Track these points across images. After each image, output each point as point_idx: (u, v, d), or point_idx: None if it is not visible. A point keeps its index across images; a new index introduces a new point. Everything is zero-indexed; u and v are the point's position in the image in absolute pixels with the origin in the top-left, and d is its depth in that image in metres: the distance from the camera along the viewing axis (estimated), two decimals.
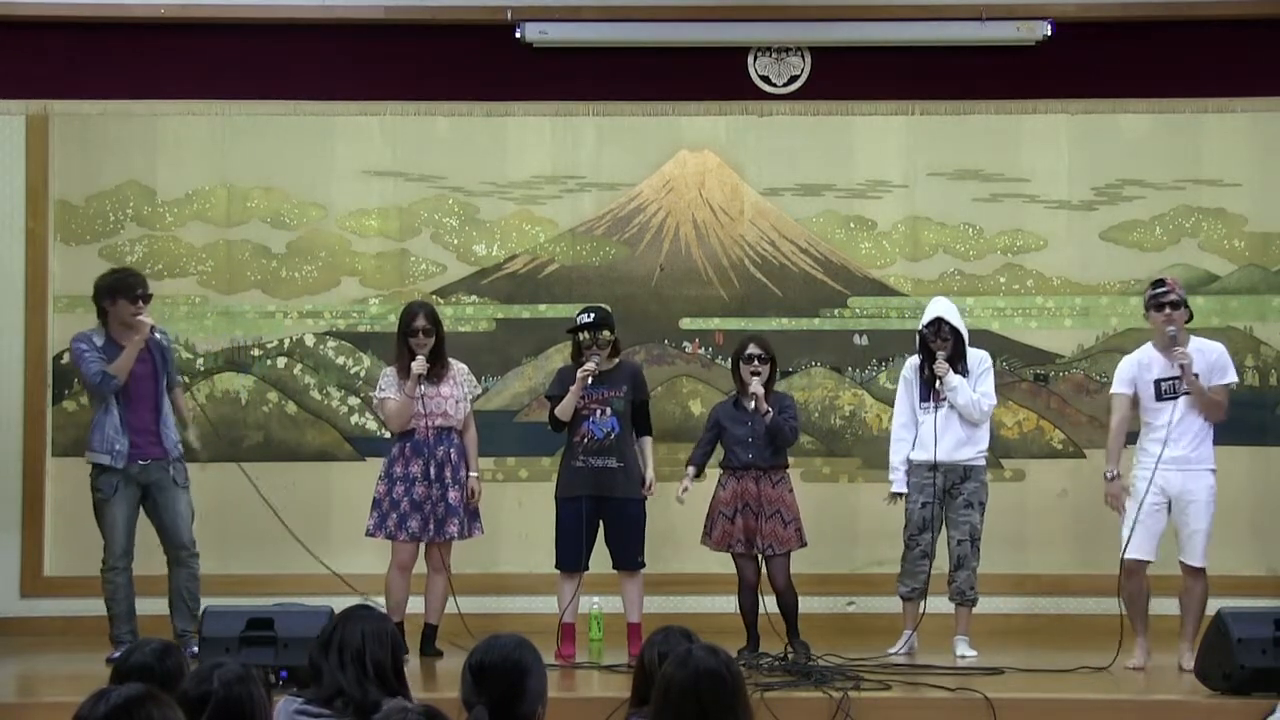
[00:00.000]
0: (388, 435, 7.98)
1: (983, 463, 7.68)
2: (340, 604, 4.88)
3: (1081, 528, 8.52)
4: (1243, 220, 8.81)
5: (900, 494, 7.66)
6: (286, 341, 8.87)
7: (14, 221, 8.73)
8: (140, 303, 7.53)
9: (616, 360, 7.67)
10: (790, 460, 7.82)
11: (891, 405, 8.06)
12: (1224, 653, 6.44)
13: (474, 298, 8.88)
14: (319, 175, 8.88)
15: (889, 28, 8.68)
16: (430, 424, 7.59)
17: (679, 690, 3.77)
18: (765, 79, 8.78)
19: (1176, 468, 7.17)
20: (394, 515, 7.58)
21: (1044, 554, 8.68)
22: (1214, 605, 6.90)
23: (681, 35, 8.72)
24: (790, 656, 7.30)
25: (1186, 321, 7.27)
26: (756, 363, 7.58)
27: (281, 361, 8.86)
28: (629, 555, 7.51)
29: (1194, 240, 8.82)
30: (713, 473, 7.77)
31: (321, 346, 8.87)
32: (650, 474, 7.59)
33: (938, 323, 7.58)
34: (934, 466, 7.53)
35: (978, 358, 7.72)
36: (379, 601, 7.10)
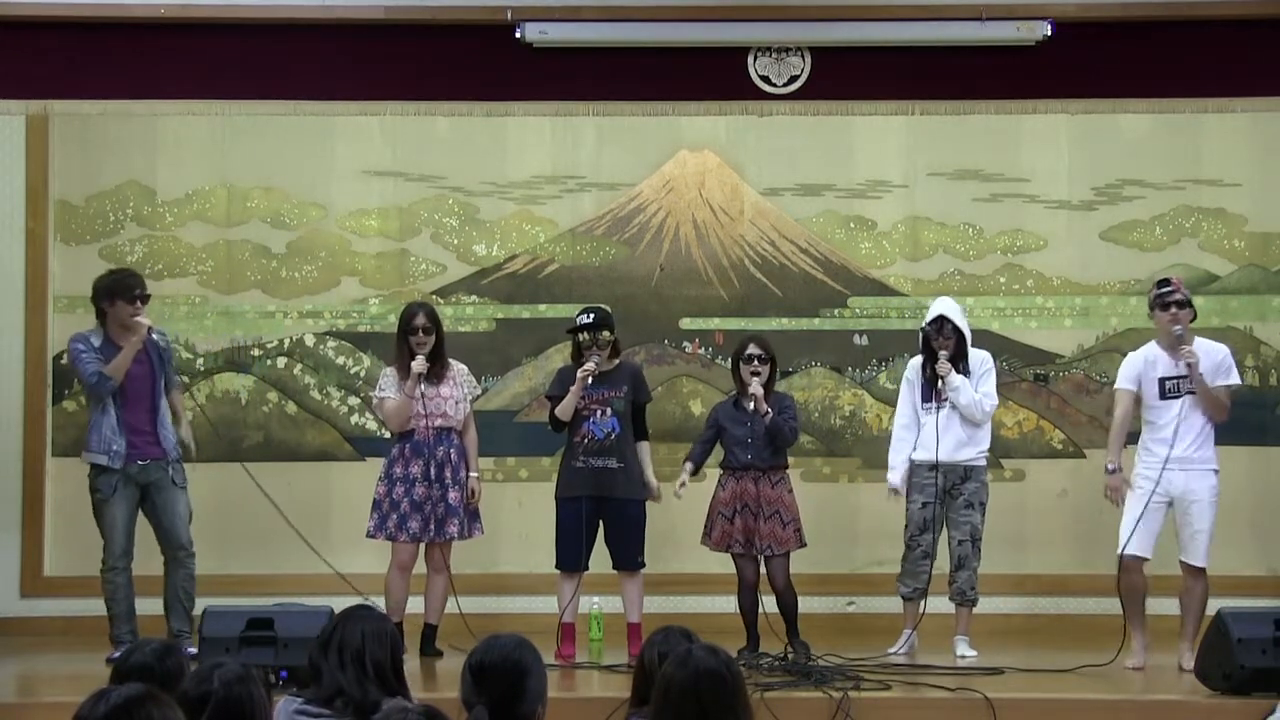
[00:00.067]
0: (388, 435, 7.98)
1: (983, 463, 7.69)
2: (340, 604, 4.87)
3: (1081, 528, 8.53)
4: (1243, 220, 8.81)
5: (897, 490, 7.66)
6: (286, 341, 8.87)
7: (14, 221, 8.73)
8: (138, 303, 7.53)
9: (617, 361, 7.67)
10: (790, 460, 7.82)
11: (891, 405, 8.07)
12: (1224, 653, 6.44)
13: (474, 298, 8.88)
14: (319, 175, 8.88)
15: (889, 28, 8.68)
16: (430, 424, 7.59)
17: (679, 690, 3.77)
18: (765, 79, 8.78)
19: (1179, 467, 7.17)
20: (394, 516, 7.58)
21: (1044, 554, 8.68)
22: (1214, 605, 6.91)
23: (681, 35, 8.72)
24: (790, 656, 7.30)
25: (1190, 321, 7.28)
26: (756, 363, 7.58)
27: (281, 361, 8.86)
28: (629, 555, 7.51)
29: (1194, 240, 8.82)
30: (712, 473, 7.78)
31: (321, 346, 8.87)
32: (652, 480, 7.59)
33: (940, 321, 7.59)
34: (935, 467, 7.53)
35: (979, 358, 7.72)
36: (378, 601, 7.10)
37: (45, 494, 8.64)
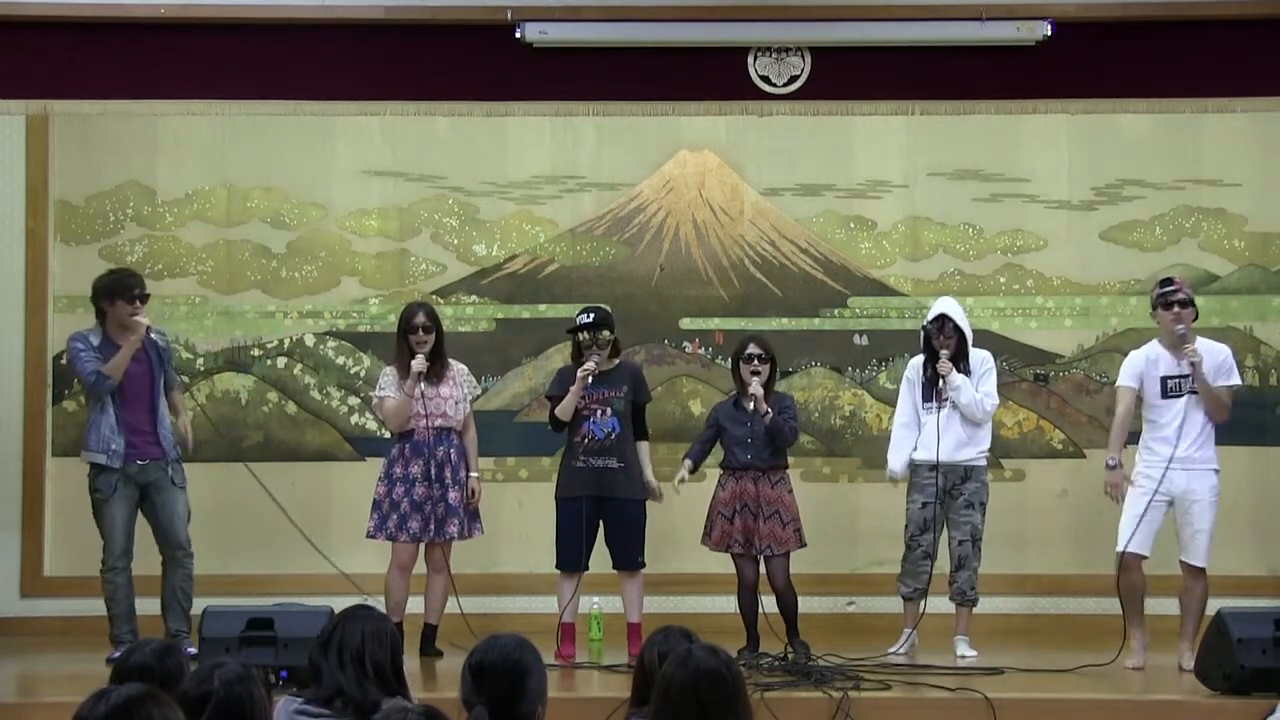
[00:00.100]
0: (387, 435, 7.98)
1: (984, 463, 7.69)
2: (340, 604, 4.87)
3: (1081, 528, 8.52)
4: (1243, 220, 8.81)
5: (898, 476, 7.65)
6: (286, 341, 8.87)
7: (14, 221, 8.73)
8: (137, 303, 7.53)
9: (617, 360, 7.67)
10: (790, 460, 7.82)
11: (891, 405, 8.07)
12: (1224, 653, 6.44)
13: (474, 298, 8.88)
14: (319, 175, 8.88)
15: (889, 28, 8.68)
16: (430, 425, 7.59)
17: (679, 690, 3.77)
18: (765, 79, 8.78)
19: (1181, 467, 7.18)
20: (394, 517, 7.58)
21: (1044, 554, 8.68)
22: (1214, 605, 6.91)
23: (681, 35, 8.71)
24: (790, 656, 7.30)
25: (1193, 320, 7.28)
26: (756, 362, 7.58)
27: (281, 361, 8.86)
28: (629, 555, 7.51)
29: (1194, 240, 8.82)
30: (712, 473, 7.78)
31: (321, 346, 8.87)
32: (652, 479, 7.59)
33: (942, 320, 7.59)
34: (935, 467, 7.53)
35: (980, 357, 7.72)
36: (378, 602, 7.09)
37: (45, 494, 8.63)
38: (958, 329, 7.60)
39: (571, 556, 7.48)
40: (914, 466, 7.66)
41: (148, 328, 7.55)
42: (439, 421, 7.60)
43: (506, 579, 8.53)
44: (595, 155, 8.90)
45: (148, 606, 7.59)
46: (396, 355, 7.70)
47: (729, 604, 7.73)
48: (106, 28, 8.60)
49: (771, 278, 8.88)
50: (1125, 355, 7.64)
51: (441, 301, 8.69)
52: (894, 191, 8.87)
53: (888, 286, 8.88)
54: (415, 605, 7.67)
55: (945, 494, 7.57)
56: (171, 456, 7.62)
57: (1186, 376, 7.20)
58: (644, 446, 7.64)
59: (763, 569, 7.59)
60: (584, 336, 7.52)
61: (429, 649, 7.61)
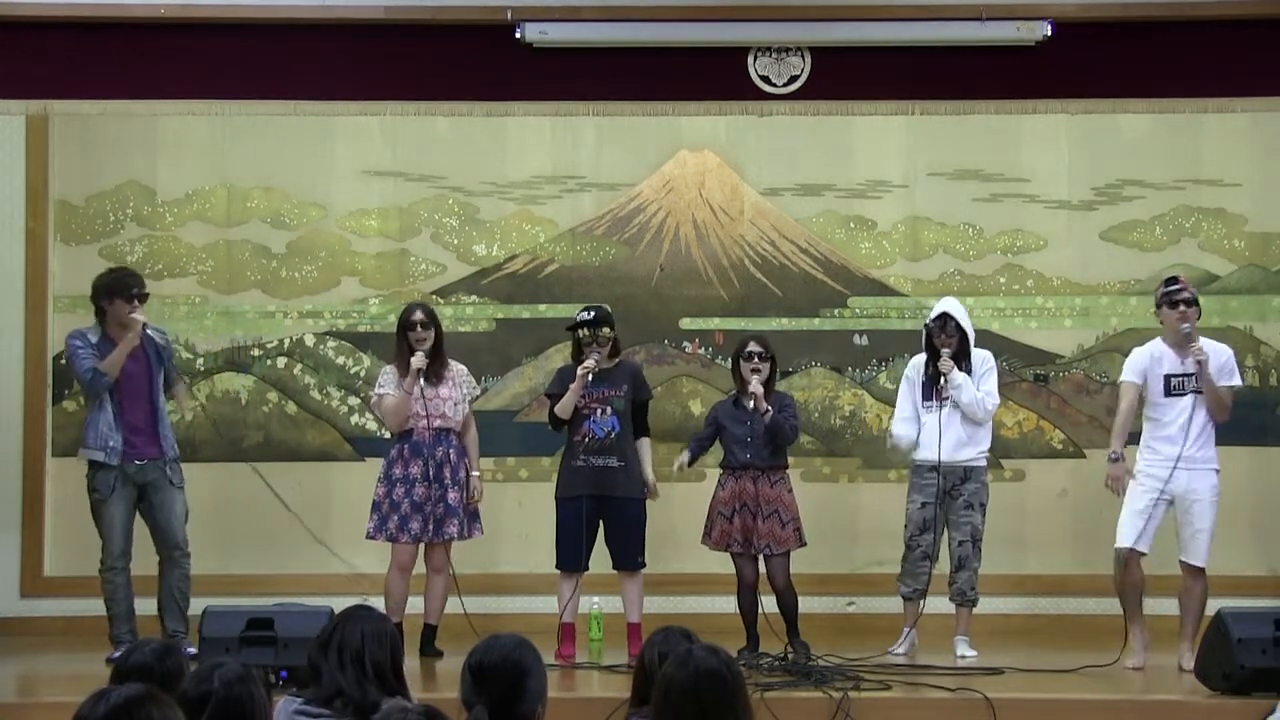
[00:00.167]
0: (387, 436, 7.98)
1: (983, 463, 7.68)
2: (340, 604, 4.87)
3: (1081, 528, 8.52)
4: (1243, 220, 8.81)
5: (901, 443, 7.64)
6: (286, 341, 8.87)
7: (14, 221, 8.73)
8: (136, 302, 7.53)
9: (617, 360, 7.67)
10: (790, 460, 7.82)
11: (891, 405, 8.06)
12: (1224, 653, 6.44)
13: (474, 298, 8.88)
14: (319, 175, 8.88)
15: (889, 28, 8.68)
16: (429, 425, 7.58)
17: (679, 690, 3.77)
18: (765, 79, 8.78)
19: (1182, 466, 7.18)
20: (394, 517, 7.58)
21: (1044, 554, 8.68)
22: (1214, 605, 6.90)
23: (681, 35, 8.72)
24: (790, 656, 7.30)
25: (1197, 319, 7.28)
26: (757, 360, 7.58)
27: (281, 361, 8.86)
28: (629, 555, 7.51)
29: (1194, 240, 8.82)
30: (712, 473, 7.78)
31: (321, 346, 8.87)
32: (650, 476, 7.59)
33: (944, 318, 7.59)
34: (935, 467, 7.53)
35: (981, 357, 7.72)
36: (377, 602, 7.09)
37: (45, 494, 8.63)
38: (960, 328, 7.60)
39: (571, 556, 7.47)
40: (914, 467, 7.66)
41: (145, 325, 7.55)
42: (438, 422, 7.60)
43: (506, 579, 8.52)
44: (595, 155, 8.90)
45: (148, 607, 7.59)
46: (396, 354, 7.70)
47: (729, 604, 7.73)
48: (106, 28, 8.61)
49: (771, 278, 8.88)
50: (1125, 355, 7.64)
51: (441, 301, 8.69)
52: (894, 191, 8.87)
53: (888, 286, 8.88)
54: (415, 605, 7.67)
55: (945, 494, 7.57)
56: (170, 456, 7.61)
57: (1189, 375, 7.21)
58: (645, 443, 7.64)
59: (763, 569, 7.59)
60: (584, 333, 7.52)
61: (429, 649, 7.61)
